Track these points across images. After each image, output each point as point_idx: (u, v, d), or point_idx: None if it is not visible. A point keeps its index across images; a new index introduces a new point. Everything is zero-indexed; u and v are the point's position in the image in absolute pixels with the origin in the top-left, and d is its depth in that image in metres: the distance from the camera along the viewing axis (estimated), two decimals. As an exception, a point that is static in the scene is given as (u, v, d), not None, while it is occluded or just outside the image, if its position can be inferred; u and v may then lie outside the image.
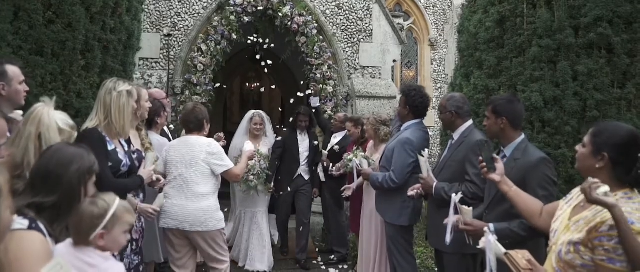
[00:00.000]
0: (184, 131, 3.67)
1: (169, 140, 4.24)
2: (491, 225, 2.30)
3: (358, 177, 4.35)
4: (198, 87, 6.77)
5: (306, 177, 5.42)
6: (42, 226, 1.54)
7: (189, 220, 3.32)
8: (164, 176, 3.42)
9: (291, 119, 5.55)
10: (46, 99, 2.13)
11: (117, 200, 1.74)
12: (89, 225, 1.65)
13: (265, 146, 5.24)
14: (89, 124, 2.70)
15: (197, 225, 3.33)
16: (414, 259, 3.72)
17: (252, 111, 5.45)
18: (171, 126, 4.90)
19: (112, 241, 1.70)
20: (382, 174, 3.64)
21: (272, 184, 5.24)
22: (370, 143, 4.71)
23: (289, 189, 5.31)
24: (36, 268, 1.40)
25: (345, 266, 5.30)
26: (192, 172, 3.37)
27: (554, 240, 1.85)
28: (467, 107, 3.18)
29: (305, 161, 5.40)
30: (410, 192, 3.30)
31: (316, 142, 5.54)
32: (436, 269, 3.52)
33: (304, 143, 5.43)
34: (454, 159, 3.09)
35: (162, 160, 3.50)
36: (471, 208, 2.46)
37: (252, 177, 4.83)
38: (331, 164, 5.14)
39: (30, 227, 1.50)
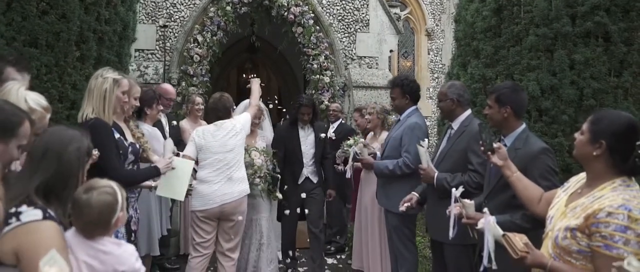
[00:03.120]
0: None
1: (163, 131, 4.21)
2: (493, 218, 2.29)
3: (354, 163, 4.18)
4: (194, 78, 6.74)
5: (314, 180, 4.50)
6: (54, 214, 1.51)
7: (233, 194, 3.57)
8: (196, 162, 3.55)
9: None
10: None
11: (109, 181, 1.73)
12: (109, 213, 1.65)
13: (262, 141, 4.38)
14: (86, 111, 2.65)
15: (244, 192, 3.64)
16: (415, 249, 3.68)
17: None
18: (173, 122, 4.78)
19: (123, 218, 1.74)
20: (391, 162, 3.53)
21: (278, 192, 4.36)
22: (370, 134, 4.70)
23: (294, 197, 4.44)
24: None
25: (343, 256, 5.33)
26: (232, 155, 3.60)
27: (550, 226, 1.85)
28: (467, 96, 3.14)
29: (312, 161, 4.48)
30: (401, 208, 3.21)
31: (323, 135, 4.59)
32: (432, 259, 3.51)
33: (307, 139, 4.50)
34: (455, 149, 3.05)
35: (194, 145, 3.59)
36: (473, 201, 2.43)
37: (258, 180, 4.02)
38: (336, 158, 4.72)
39: (44, 217, 1.47)
